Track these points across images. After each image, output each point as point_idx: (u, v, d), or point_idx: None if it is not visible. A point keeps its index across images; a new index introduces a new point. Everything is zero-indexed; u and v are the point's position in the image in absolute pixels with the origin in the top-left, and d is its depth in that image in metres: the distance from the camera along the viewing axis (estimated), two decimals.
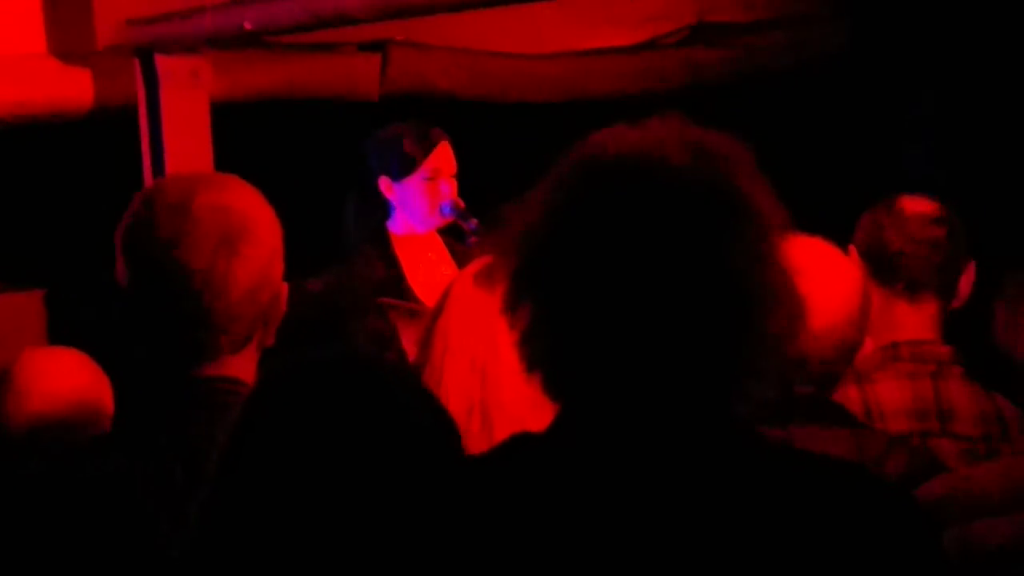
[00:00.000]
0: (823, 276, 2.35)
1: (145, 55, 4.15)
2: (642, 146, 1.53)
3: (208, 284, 1.99)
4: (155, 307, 2.03)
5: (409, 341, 3.52)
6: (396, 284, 4.01)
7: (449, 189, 4.03)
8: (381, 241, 4.06)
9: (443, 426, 1.70)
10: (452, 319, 2.23)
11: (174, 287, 1.99)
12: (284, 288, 2.09)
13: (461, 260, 3.95)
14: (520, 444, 1.59)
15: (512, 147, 5.26)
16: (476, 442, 2.07)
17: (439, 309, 2.27)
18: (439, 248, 4.14)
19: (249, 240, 2.02)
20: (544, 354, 1.54)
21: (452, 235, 4.13)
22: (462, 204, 4.04)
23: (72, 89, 4.31)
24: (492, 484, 1.54)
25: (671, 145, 1.52)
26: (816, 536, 1.46)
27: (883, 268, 2.89)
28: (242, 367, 2.03)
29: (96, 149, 4.67)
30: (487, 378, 2.17)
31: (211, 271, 1.99)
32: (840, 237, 2.62)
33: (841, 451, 2.26)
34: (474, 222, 4.01)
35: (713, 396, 1.50)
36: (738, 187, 1.51)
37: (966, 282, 2.94)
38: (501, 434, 2.09)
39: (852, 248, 2.91)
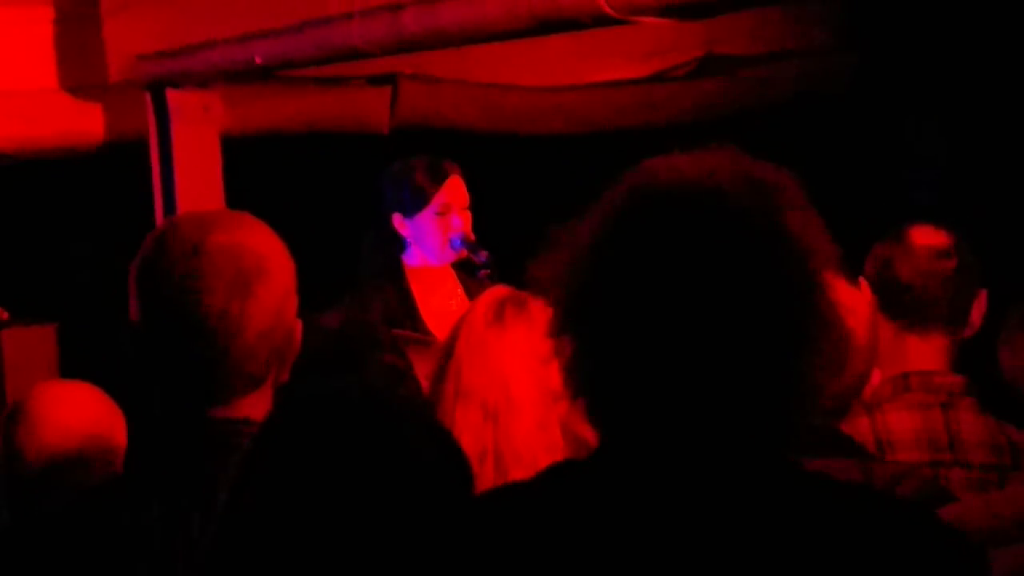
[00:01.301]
0: None
1: (156, 90, 4.19)
2: (694, 176, 1.52)
3: (222, 325, 1.97)
4: (169, 348, 2.01)
5: (421, 373, 3.52)
6: (408, 316, 4.00)
7: (460, 222, 4.02)
8: (395, 273, 4.06)
9: (455, 461, 1.69)
10: (462, 362, 2.22)
11: (188, 328, 1.97)
12: (298, 325, 2.07)
13: (474, 293, 3.93)
14: (562, 472, 1.58)
15: (521, 179, 5.29)
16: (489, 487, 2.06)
17: (449, 349, 2.26)
18: (452, 281, 4.13)
19: (263, 280, 1.99)
20: (589, 382, 1.53)
21: (464, 268, 4.13)
22: (472, 237, 4.03)
23: (84, 124, 4.35)
24: (534, 510, 1.53)
25: (723, 175, 1.51)
26: (866, 567, 1.46)
27: (893, 301, 2.88)
28: (256, 406, 2.00)
29: (108, 183, 4.70)
30: (499, 424, 2.16)
31: (225, 312, 1.97)
32: (848, 268, 2.62)
33: None
34: (484, 255, 4.00)
35: (757, 428, 1.50)
36: (790, 220, 1.51)
37: (978, 311, 2.94)
38: (515, 479, 2.08)
39: (863, 280, 2.91)
